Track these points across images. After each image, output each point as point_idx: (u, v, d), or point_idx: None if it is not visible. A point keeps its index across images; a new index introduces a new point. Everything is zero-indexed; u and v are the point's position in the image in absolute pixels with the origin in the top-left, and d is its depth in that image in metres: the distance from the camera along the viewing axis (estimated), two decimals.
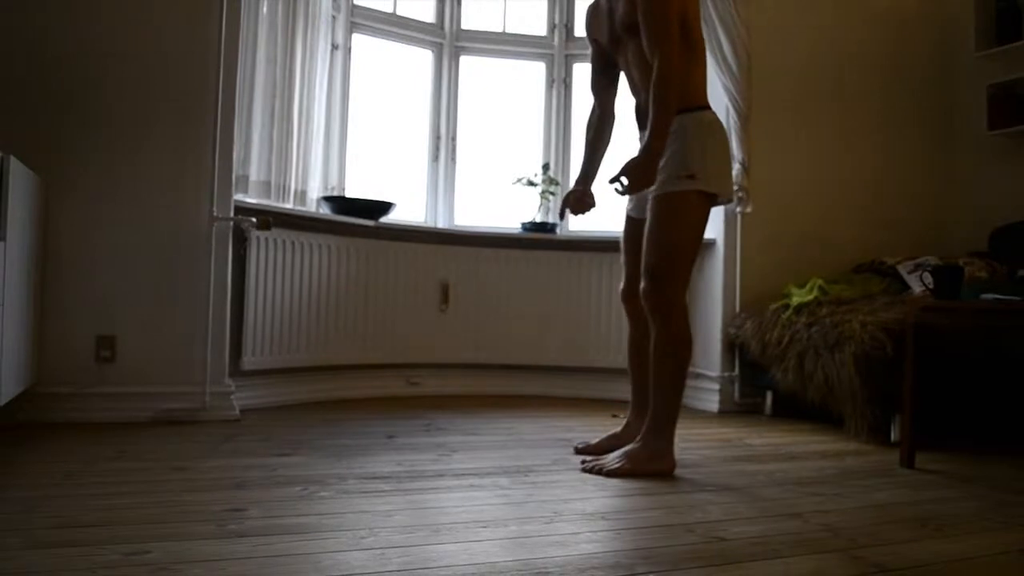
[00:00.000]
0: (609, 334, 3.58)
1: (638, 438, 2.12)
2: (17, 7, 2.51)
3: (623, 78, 2.33)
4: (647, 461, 2.04)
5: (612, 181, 2.06)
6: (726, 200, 2.20)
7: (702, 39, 2.19)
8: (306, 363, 3.19)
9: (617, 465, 2.04)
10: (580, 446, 2.32)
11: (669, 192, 2.07)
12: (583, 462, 2.12)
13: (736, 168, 3.26)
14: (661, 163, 2.05)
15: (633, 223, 2.29)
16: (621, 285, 2.33)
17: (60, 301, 2.56)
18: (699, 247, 2.17)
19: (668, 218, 2.08)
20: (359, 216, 3.35)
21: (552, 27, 3.90)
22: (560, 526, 1.58)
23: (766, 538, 1.53)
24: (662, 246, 2.08)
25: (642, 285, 2.11)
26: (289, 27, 3.13)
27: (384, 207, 3.42)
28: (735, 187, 2.18)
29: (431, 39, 3.81)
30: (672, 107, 2.01)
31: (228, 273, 2.74)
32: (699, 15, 2.20)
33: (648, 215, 2.13)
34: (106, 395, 2.57)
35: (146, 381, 2.61)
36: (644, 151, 2.02)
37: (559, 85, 3.86)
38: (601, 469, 2.04)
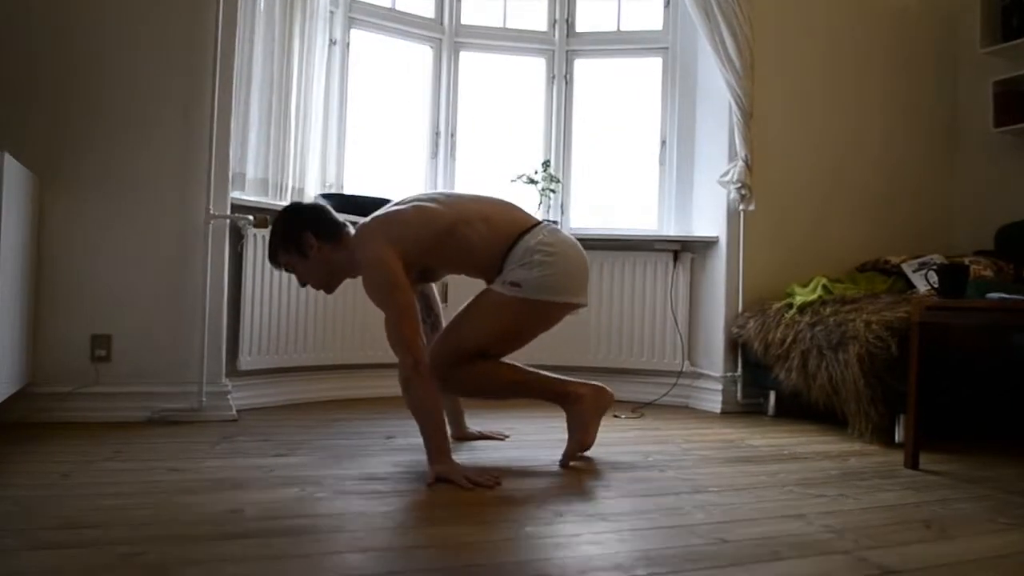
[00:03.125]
0: (610, 333, 3.56)
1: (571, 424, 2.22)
2: (12, 4, 2.49)
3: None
4: (591, 417, 2.22)
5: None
6: (580, 304, 2.25)
7: (467, 221, 2.19)
8: (303, 363, 3.17)
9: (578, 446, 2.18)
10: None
11: (494, 290, 2.16)
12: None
13: (739, 166, 3.24)
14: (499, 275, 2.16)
15: None
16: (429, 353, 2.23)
17: (55, 300, 2.54)
18: (506, 341, 2.24)
19: (481, 310, 2.18)
20: (357, 213, 3.32)
21: (552, 22, 3.87)
22: (561, 527, 1.56)
23: (769, 540, 1.51)
24: (471, 330, 2.20)
25: (437, 346, 2.24)
26: (287, 22, 3.11)
27: (382, 204, 3.38)
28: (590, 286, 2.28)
29: (430, 35, 3.79)
30: (424, 400, 2.02)
31: (224, 271, 2.72)
32: (451, 224, 2.20)
33: (473, 299, 2.22)
34: (102, 395, 2.55)
35: (142, 381, 2.60)
36: (430, 463, 1.94)
37: (559, 81, 3.83)
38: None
